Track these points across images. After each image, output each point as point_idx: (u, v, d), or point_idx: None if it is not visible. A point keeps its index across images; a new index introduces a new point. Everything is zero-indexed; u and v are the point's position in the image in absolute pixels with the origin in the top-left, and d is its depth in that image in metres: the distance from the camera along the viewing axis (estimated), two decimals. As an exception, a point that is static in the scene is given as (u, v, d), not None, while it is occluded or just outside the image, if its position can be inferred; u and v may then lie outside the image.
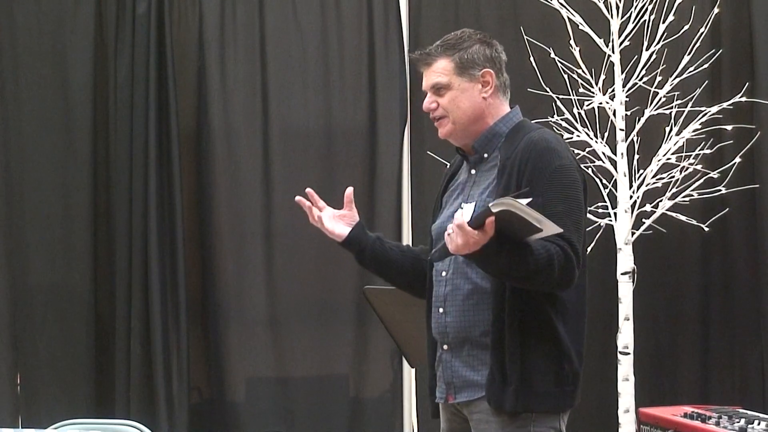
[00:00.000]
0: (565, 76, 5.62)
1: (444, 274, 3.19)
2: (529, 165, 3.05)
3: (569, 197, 3.04)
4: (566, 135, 5.48)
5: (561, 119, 5.60)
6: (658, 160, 5.60)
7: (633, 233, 5.55)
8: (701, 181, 5.64)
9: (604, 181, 5.61)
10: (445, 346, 3.18)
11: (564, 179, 3.05)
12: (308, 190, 3.45)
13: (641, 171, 5.62)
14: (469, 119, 3.21)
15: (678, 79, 5.63)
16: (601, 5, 5.59)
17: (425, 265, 3.31)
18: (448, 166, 3.44)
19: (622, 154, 5.53)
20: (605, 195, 5.60)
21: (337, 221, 3.42)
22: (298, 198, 3.44)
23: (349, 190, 3.40)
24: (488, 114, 3.22)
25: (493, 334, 3.07)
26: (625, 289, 5.48)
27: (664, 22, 5.62)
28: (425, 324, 3.28)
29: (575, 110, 5.61)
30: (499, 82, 3.24)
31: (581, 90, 5.62)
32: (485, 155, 3.22)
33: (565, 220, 2.98)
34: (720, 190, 5.69)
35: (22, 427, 5.95)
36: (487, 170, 3.20)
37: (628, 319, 5.48)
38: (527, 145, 3.10)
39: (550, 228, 2.88)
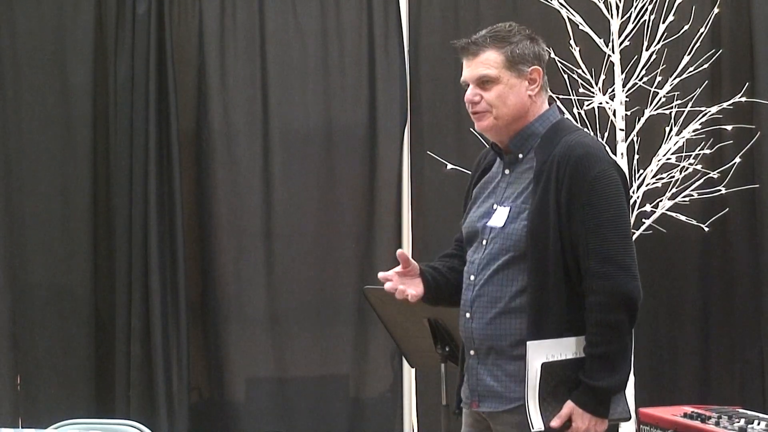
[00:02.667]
0: (565, 76, 5.62)
1: (472, 278, 3.13)
2: (567, 171, 2.98)
3: (611, 204, 2.97)
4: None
5: (561, 119, 5.60)
6: (658, 160, 5.60)
7: (633, 233, 5.54)
8: (701, 181, 5.64)
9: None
10: (472, 352, 3.13)
11: (605, 185, 2.98)
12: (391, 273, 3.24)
13: (641, 171, 5.62)
14: (513, 116, 3.11)
15: (678, 79, 5.63)
16: (601, 5, 5.59)
17: None
18: (479, 158, 3.33)
19: (622, 154, 5.53)
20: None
21: (406, 280, 3.21)
22: (389, 287, 3.21)
23: (401, 251, 3.21)
24: (531, 112, 3.13)
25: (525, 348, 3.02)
26: (625, 289, 5.47)
27: (664, 22, 5.62)
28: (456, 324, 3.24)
29: (575, 110, 5.61)
30: (544, 81, 3.15)
31: (581, 90, 5.62)
32: (520, 155, 3.13)
33: (608, 231, 2.95)
34: (720, 190, 5.69)
35: (22, 427, 5.95)
36: (522, 172, 3.11)
37: (628, 319, 5.47)
38: (565, 149, 3.01)
39: (570, 347, 2.96)
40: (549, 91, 3.21)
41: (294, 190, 6.24)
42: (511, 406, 3.05)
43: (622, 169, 3.10)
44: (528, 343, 2.97)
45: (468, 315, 3.12)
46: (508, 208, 3.08)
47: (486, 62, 3.10)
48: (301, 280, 6.23)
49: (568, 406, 2.95)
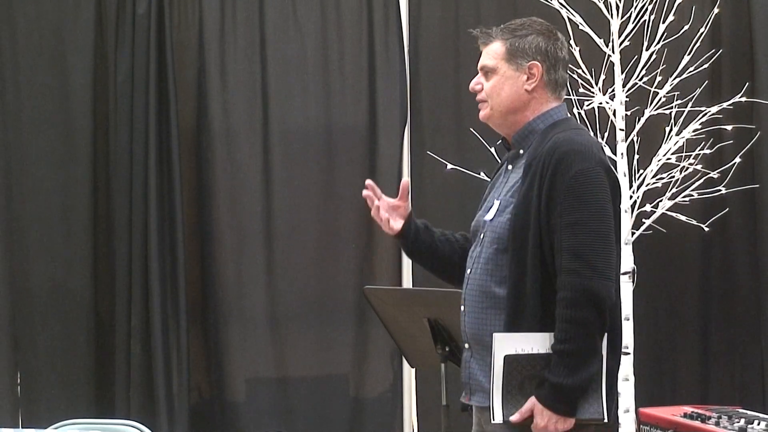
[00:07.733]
0: (565, 76, 5.61)
1: (468, 272, 3.15)
2: (550, 168, 2.97)
3: (590, 203, 2.93)
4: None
5: (561, 119, 5.60)
6: (658, 160, 5.60)
7: (633, 233, 5.55)
8: (701, 181, 5.64)
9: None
10: (466, 345, 3.15)
11: (584, 184, 2.94)
12: (368, 182, 3.34)
13: (641, 171, 5.62)
14: (507, 109, 3.14)
15: (678, 79, 5.63)
16: (601, 5, 5.59)
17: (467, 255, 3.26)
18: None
19: (622, 154, 5.53)
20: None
21: (390, 213, 3.33)
22: (365, 193, 3.33)
23: (406, 181, 3.34)
24: (529, 108, 3.13)
25: None
26: (625, 289, 5.48)
27: (664, 22, 5.62)
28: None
29: (575, 110, 5.60)
30: (549, 78, 3.13)
31: (581, 90, 5.61)
32: (521, 151, 3.15)
33: (583, 229, 2.91)
34: (720, 190, 5.69)
35: (22, 427, 5.95)
36: (519, 167, 3.12)
37: (627, 319, 5.48)
38: (552, 145, 3.01)
39: (539, 341, 2.92)
40: (561, 91, 3.18)
41: (294, 190, 6.24)
42: None
43: (613, 171, 3.06)
44: (494, 334, 2.96)
45: (463, 308, 3.15)
46: (499, 202, 3.11)
47: (489, 52, 3.17)
48: (301, 280, 6.23)
49: (531, 401, 2.92)
